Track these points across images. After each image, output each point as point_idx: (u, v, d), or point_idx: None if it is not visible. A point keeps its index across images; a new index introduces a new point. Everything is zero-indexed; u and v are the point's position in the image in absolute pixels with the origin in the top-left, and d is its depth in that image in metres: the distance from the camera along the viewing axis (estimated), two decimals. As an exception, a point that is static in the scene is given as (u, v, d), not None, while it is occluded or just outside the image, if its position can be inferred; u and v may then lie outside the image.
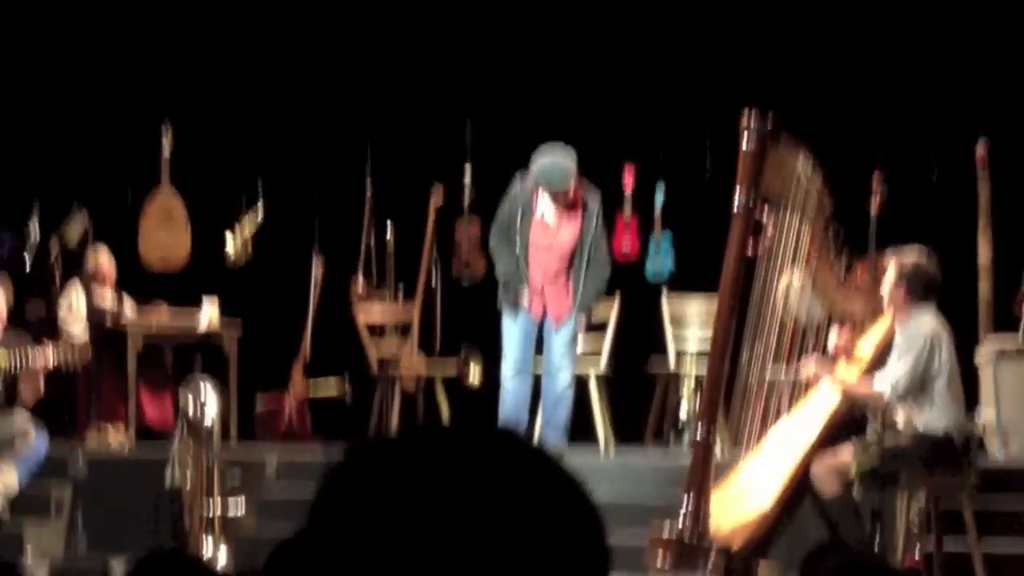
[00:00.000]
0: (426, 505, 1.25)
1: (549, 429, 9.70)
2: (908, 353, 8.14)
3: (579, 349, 10.22)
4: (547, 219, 9.74)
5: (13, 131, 12.41)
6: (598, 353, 10.86)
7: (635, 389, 11.06)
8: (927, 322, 8.20)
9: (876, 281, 8.65)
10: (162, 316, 11.30)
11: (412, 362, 11.38)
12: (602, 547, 1.31)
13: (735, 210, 8.18)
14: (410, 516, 1.25)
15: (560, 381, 9.79)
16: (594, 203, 9.78)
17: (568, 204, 9.74)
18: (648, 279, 11.80)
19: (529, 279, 9.76)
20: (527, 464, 1.30)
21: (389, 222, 11.98)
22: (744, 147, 8.19)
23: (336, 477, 1.30)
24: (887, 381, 8.16)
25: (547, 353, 9.84)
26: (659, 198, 11.90)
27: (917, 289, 8.18)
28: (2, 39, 12.45)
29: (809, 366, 8.31)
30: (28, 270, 11.29)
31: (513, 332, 9.83)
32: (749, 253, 8.23)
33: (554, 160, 9.64)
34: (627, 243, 11.98)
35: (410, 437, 1.33)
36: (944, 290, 8.36)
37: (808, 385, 8.50)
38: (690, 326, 11.04)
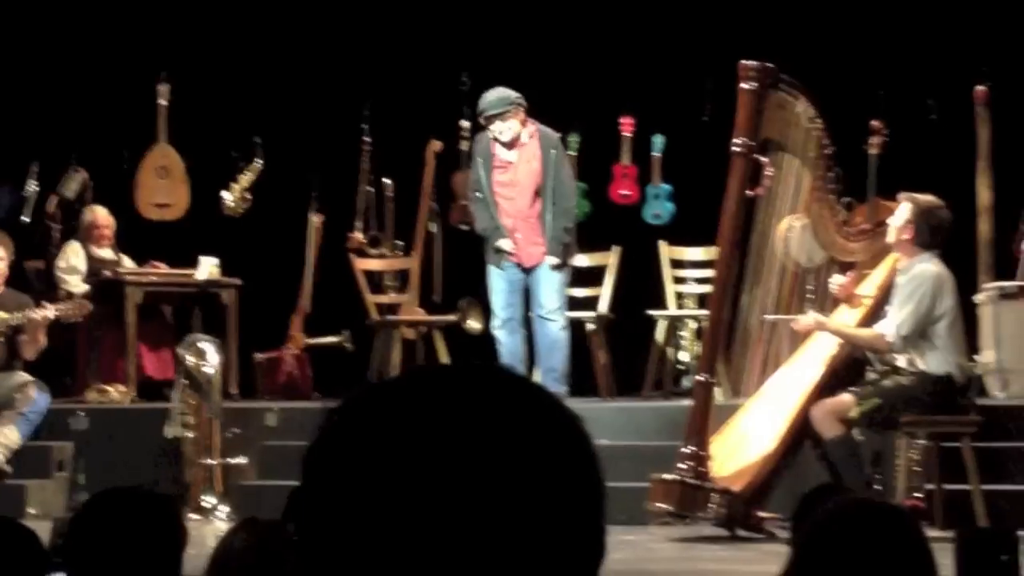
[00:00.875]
0: (422, 440, 1.25)
1: (547, 376, 9.69)
2: (911, 297, 8.12)
3: (576, 293, 10.22)
4: (504, 158, 9.76)
5: (10, 89, 12.38)
6: (596, 300, 10.86)
7: (635, 336, 11.06)
8: (930, 266, 8.18)
9: (876, 224, 8.63)
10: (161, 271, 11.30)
11: (412, 312, 11.38)
12: (596, 479, 1.30)
13: (734, 150, 8.16)
14: (406, 452, 1.25)
15: (552, 327, 9.78)
16: (550, 144, 9.77)
17: (520, 143, 9.74)
18: (647, 221, 11.79)
19: (504, 226, 9.77)
20: (520, 397, 1.30)
21: (386, 177, 11.96)
22: (743, 87, 8.17)
23: (335, 416, 1.30)
24: (891, 325, 8.15)
25: (534, 300, 9.84)
26: (657, 144, 11.89)
27: (924, 234, 8.16)
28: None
29: (808, 319, 8.29)
30: (27, 227, 11.28)
31: (497, 284, 9.83)
32: (749, 194, 8.21)
33: (491, 90, 9.78)
34: (626, 190, 11.97)
35: (407, 377, 1.33)
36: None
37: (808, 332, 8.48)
38: (690, 270, 11.03)
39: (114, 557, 3.12)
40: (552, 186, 9.73)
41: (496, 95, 9.78)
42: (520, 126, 9.74)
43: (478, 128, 10.10)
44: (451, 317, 11.10)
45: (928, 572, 2.72)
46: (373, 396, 1.30)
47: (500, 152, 9.82)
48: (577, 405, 1.34)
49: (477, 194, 9.93)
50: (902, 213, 8.20)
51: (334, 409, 1.31)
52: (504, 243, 9.78)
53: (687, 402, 8.61)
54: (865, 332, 8.31)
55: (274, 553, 3.24)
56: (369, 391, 1.31)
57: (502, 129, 9.69)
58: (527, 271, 9.83)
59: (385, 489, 1.24)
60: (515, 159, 9.78)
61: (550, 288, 9.79)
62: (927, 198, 8.24)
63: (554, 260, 9.73)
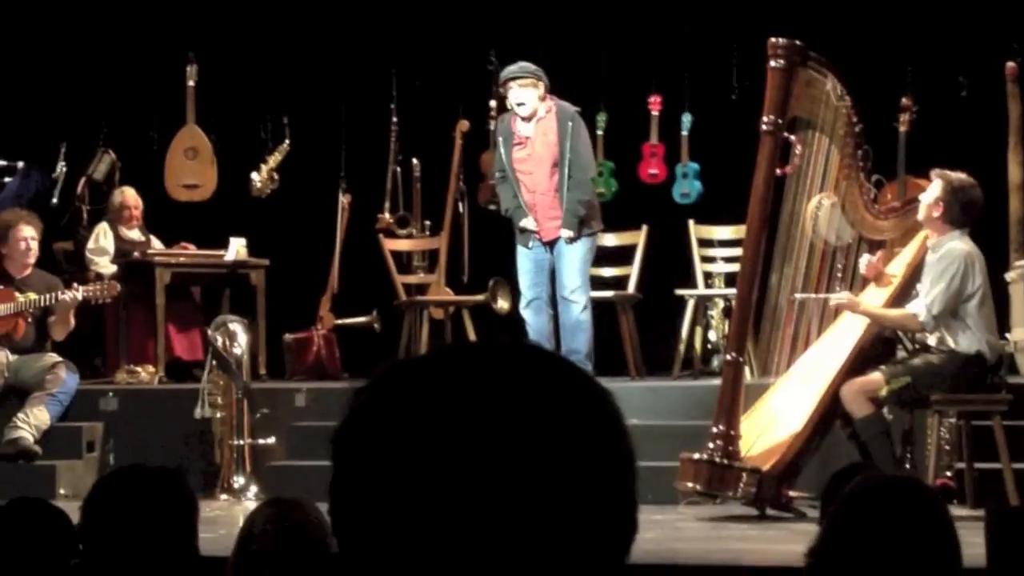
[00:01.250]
0: (450, 417, 1.25)
1: (571, 357, 9.65)
2: (942, 275, 8.08)
3: (604, 273, 10.20)
4: (524, 133, 9.79)
5: (39, 71, 12.41)
6: (626, 280, 10.85)
7: (664, 316, 11.05)
8: (960, 244, 8.14)
9: (906, 202, 8.59)
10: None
11: (440, 292, 11.38)
12: (627, 453, 1.29)
13: (763, 128, 8.13)
14: (435, 430, 1.25)
15: (574, 307, 9.77)
16: (567, 117, 9.76)
17: (538, 118, 9.73)
18: (675, 200, 11.78)
19: (526, 204, 9.77)
20: (548, 372, 1.30)
21: (414, 157, 11.96)
22: (771, 65, 8.14)
23: (362, 396, 1.29)
24: (922, 304, 8.12)
25: (558, 281, 9.82)
26: (685, 123, 11.87)
27: (955, 211, 8.11)
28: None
29: (842, 297, 8.26)
30: (56, 209, 11.30)
31: (523, 263, 9.84)
32: (778, 172, 8.19)
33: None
34: (654, 169, 11.96)
35: (432, 356, 1.33)
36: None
37: (838, 310, 8.46)
38: (718, 249, 11.01)
39: (128, 533, 3.14)
40: (569, 158, 9.73)
41: (518, 64, 9.86)
42: (539, 101, 9.75)
43: (505, 108, 10.09)
44: (479, 297, 11.10)
45: (951, 546, 2.72)
46: (399, 375, 1.30)
47: (519, 128, 9.83)
48: (606, 385, 1.33)
49: (500, 175, 9.94)
50: (933, 190, 8.15)
51: (361, 389, 1.30)
52: (527, 222, 9.78)
53: (716, 381, 8.59)
54: (896, 312, 8.27)
55: (294, 530, 3.26)
56: (395, 370, 1.31)
57: (520, 96, 9.70)
58: (551, 247, 9.83)
59: (415, 468, 1.24)
60: (532, 133, 9.79)
61: (572, 267, 9.78)
62: (959, 175, 8.20)
63: (568, 233, 9.71)
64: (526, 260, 9.86)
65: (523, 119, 9.80)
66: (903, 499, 2.73)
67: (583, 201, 9.77)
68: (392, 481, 1.24)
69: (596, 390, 1.30)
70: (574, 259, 9.78)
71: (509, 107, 9.86)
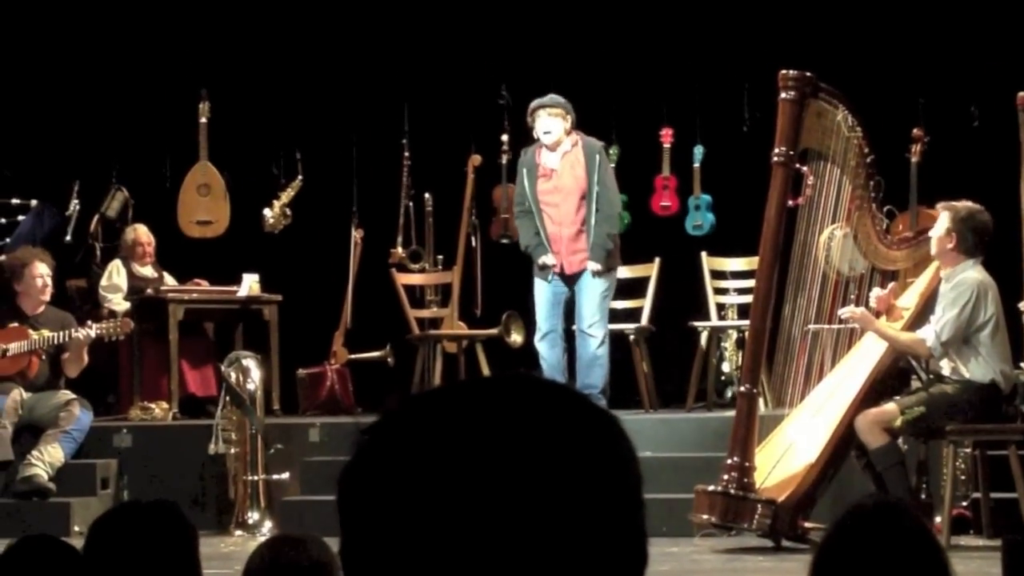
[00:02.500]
0: (455, 453, 1.25)
1: (585, 392, 9.65)
2: (954, 303, 8.08)
3: (617, 305, 10.20)
4: (549, 165, 9.80)
5: (52, 109, 12.44)
6: (639, 312, 10.84)
7: (677, 348, 11.04)
8: (973, 273, 8.14)
9: (918, 232, 8.59)
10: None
11: (453, 326, 11.38)
12: (635, 485, 1.29)
13: (775, 159, 8.14)
14: (441, 467, 1.25)
15: (592, 342, 9.76)
16: (594, 151, 9.79)
17: (563, 151, 9.78)
18: (688, 232, 11.78)
19: (548, 237, 9.78)
20: (556, 404, 1.29)
21: (427, 193, 11.97)
22: (782, 96, 8.15)
23: (370, 434, 1.30)
24: (932, 330, 8.11)
25: (576, 312, 9.82)
26: (697, 155, 11.88)
27: (968, 240, 8.11)
28: (40, 20, 12.46)
29: (855, 311, 8.25)
30: (69, 246, 11.33)
31: (541, 296, 9.84)
32: (790, 204, 8.19)
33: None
34: (666, 201, 11.97)
35: (438, 392, 1.33)
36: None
37: (852, 337, 8.45)
38: (731, 280, 11.00)
39: (130, 570, 3.16)
40: (598, 191, 9.75)
41: (548, 95, 9.92)
42: (564, 133, 9.79)
43: (519, 142, 10.11)
44: (493, 331, 11.09)
45: (940, 570, 2.73)
46: (405, 413, 1.30)
47: (545, 160, 9.84)
48: (620, 417, 1.32)
49: (520, 208, 9.94)
50: (942, 223, 8.15)
51: (367, 428, 1.30)
52: (547, 258, 9.78)
53: (730, 413, 8.58)
54: (907, 335, 8.27)
55: (288, 569, 3.27)
56: (400, 408, 1.30)
57: (547, 124, 9.74)
58: (570, 281, 9.83)
59: (423, 505, 1.24)
60: (558, 166, 9.82)
61: (591, 301, 9.78)
62: (965, 203, 8.20)
63: (596, 266, 9.72)
64: (544, 292, 9.86)
65: (548, 148, 9.81)
66: (890, 525, 2.74)
67: (611, 235, 9.80)
68: (400, 518, 1.24)
69: (604, 421, 1.30)
70: (594, 293, 9.78)
71: (535, 136, 9.88)
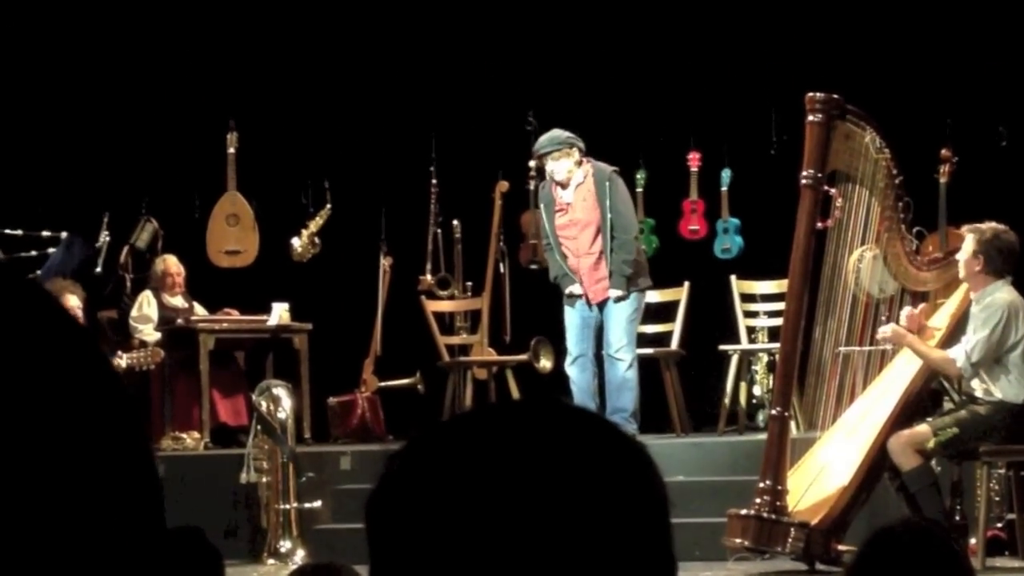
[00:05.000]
0: (482, 480, 1.24)
1: (615, 416, 9.66)
2: (985, 324, 8.06)
3: (647, 330, 10.21)
4: (564, 199, 9.84)
5: (81, 141, 12.50)
6: (669, 336, 10.84)
7: (708, 372, 11.02)
8: (1004, 293, 8.12)
9: (948, 253, 8.57)
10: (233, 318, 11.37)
11: (483, 352, 11.38)
12: (663, 510, 1.28)
13: (803, 182, 8.13)
14: (467, 494, 1.24)
15: (620, 365, 9.76)
16: (603, 178, 9.80)
17: (576, 183, 9.80)
18: (717, 256, 11.77)
19: (569, 269, 9.81)
20: (580, 431, 1.28)
21: (455, 220, 11.99)
22: (810, 119, 8.14)
23: (397, 461, 1.29)
24: (962, 350, 8.09)
25: (604, 339, 9.83)
26: (725, 178, 11.88)
27: (995, 261, 8.09)
28: (70, 55, 12.53)
29: (887, 329, 8.23)
30: (99, 278, 11.37)
31: (571, 321, 9.86)
32: (819, 226, 8.18)
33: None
34: (694, 225, 11.97)
35: (462, 418, 1.33)
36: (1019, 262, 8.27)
37: (883, 359, 8.43)
38: (761, 303, 10.99)
39: None
40: (610, 218, 9.76)
41: (547, 136, 9.90)
42: (575, 166, 9.79)
43: (543, 170, 10.13)
44: (522, 357, 11.10)
45: None
46: (430, 439, 1.30)
47: (560, 195, 9.88)
48: (651, 442, 1.32)
49: (547, 243, 10.00)
50: (968, 246, 8.14)
51: (394, 455, 1.30)
52: (574, 288, 9.82)
53: (762, 436, 8.56)
54: (938, 353, 8.25)
55: None
56: (426, 434, 1.30)
57: (553, 168, 9.78)
58: (599, 307, 9.85)
59: (449, 532, 1.23)
60: (572, 199, 9.84)
61: (618, 325, 9.79)
62: (990, 225, 8.19)
63: (617, 292, 9.74)
64: (574, 317, 9.89)
65: (561, 185, 9.84)
66: (918, 548, 2.74)
67: (628, 261, 9.80)
68: (427, 544, 1.24)
69: (630, 446, 1.29)
70: (621, 318, 9.79)
71: (548, 175, 9.91)
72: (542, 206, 10.01)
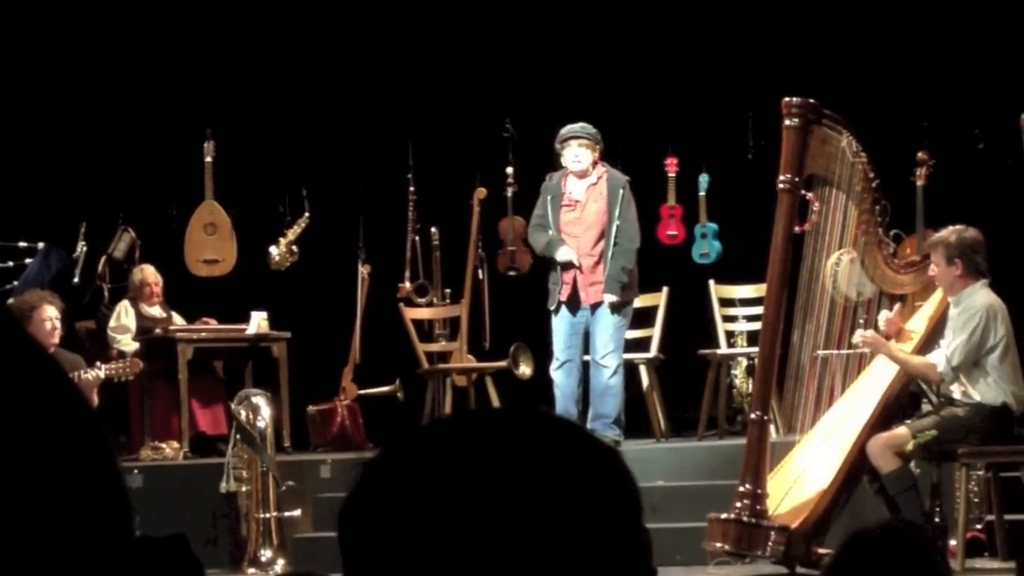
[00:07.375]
0: (450, 485, 1.25)
1: (598, 422, 9.67)
2: (964, 327, 8.08)
3: (626, 335, 10.22)
4: (574, 195, 9.84)
5: (58, 151, 12.48)
6: (648, 341, 10.85)
7: (687, 377, 11.03)
8: (982, 296, 8.13)
9: (925, 256, 8.59)
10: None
11: (462, 359, 11.38)
12: (637, 519, 1.28)
13: (781, 186, 8.14)
14: (436, 500, 1.25)
15: (605, 372, 9.78)
16: (618, 185, 9.83)
17: (590, 182, 9.85)
18: (695, 261, 11.79)
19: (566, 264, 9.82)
20: (552, 438, 1.29)
21: (433, 227, 11.99)
22: (786, 124, 8.16)
23: (370, 465, 1.30)
24: (942, 354, 8.10)
25: (591, 344, 9.84)
26: (702, 183, 11.90)
27: (973, 260, 8.11)
28: (46, 63, 12.51)
29: (864, 335, 8.25)
30: (77, 288, 11.34)
31: (559, 326, 9.86)
32: (796, 230, 8.19)
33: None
34: (672, 230, 11.98)
35: (434, 426, 1.34)
36: (994, 262, 8.29)
37: (861, 362, 8.44)
38: (739, 308, 11.01)
39: None
40: (618, 224, 9.79)
41: (580, 124, 9.96)
42: (592, 165, 9.83)
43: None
44: (502, 363, 11.10)
45: None
46: (404, 447, 1.30)
47: (571, 189, 9.90)
48: (632, 447, 1.33)
49: (537, 224, 9.98)
50: (938, 259, 8.15)
51: (367, 463, 1.31)
52: (564, 251, 9.80)
53: (742, 440, 8.57)
54: (918, 360, 8.27)
55: None
56: (400, 442, 1.30)
57: (576, 155, 9.79)
58: (590, 311, 9.86)
59: (421, 539, 1.24)
60: (583, 198, 9.87)
61: (605, 331, 9.81)
62: (947, 229, 8.23)
63: (611, 298, 9.76)
64: (561, 322, 9.90)
65: (576, 176, 9.84)
66: (894, 549, 2.75)
67: (626, 268, 9.83)
68: (400, 551, 1.24)
69: (603, 452, 1.30)
70: (609, 324, 9.81)
71: (562, 164, 9.90)
72: (548, 196, 10.00)
